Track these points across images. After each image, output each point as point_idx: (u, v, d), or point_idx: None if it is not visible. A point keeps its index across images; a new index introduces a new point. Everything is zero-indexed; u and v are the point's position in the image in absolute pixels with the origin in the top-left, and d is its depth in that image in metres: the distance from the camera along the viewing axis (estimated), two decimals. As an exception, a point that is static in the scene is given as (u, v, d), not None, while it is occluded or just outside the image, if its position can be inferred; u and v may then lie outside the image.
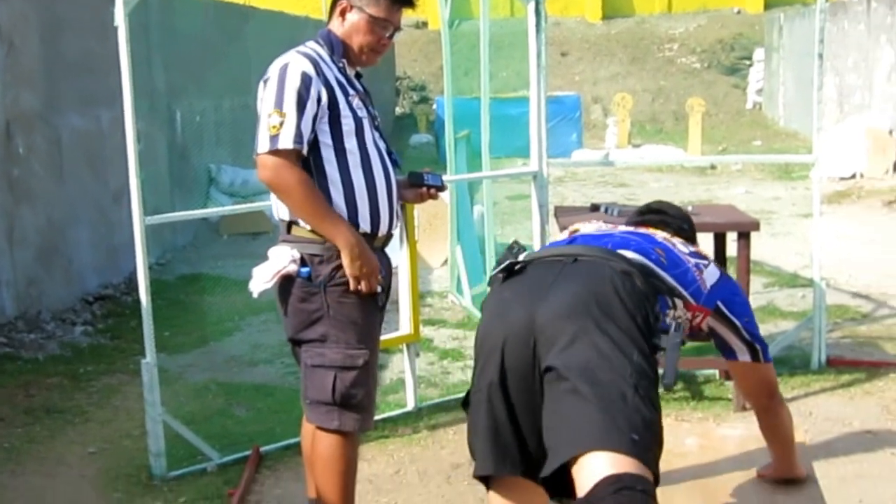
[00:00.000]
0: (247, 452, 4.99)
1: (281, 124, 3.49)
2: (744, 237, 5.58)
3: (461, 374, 6.29)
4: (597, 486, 2.56)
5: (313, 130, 3.56)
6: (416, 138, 20.80)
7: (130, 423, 5.53)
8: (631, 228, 3.40)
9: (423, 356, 6.55)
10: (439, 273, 9.05)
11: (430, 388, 6.00)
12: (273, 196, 3.66)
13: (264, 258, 3.62)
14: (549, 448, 2.75)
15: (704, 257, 3.39)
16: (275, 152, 3.49)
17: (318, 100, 3.55)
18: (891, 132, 14.96)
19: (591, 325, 2.78)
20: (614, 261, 2.97)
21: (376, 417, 5.34)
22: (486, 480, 3.08)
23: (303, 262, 3.58)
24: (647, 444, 2.67)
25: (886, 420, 5.39)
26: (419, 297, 5.53)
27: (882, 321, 7.43)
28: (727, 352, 3.46)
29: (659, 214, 3.65)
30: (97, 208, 8.77)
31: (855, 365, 6.25)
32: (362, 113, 3.70)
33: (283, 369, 6.42)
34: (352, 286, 3.58)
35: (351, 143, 3.63)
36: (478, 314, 7.41)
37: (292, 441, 5.12)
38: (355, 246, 3.56)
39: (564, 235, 3.42)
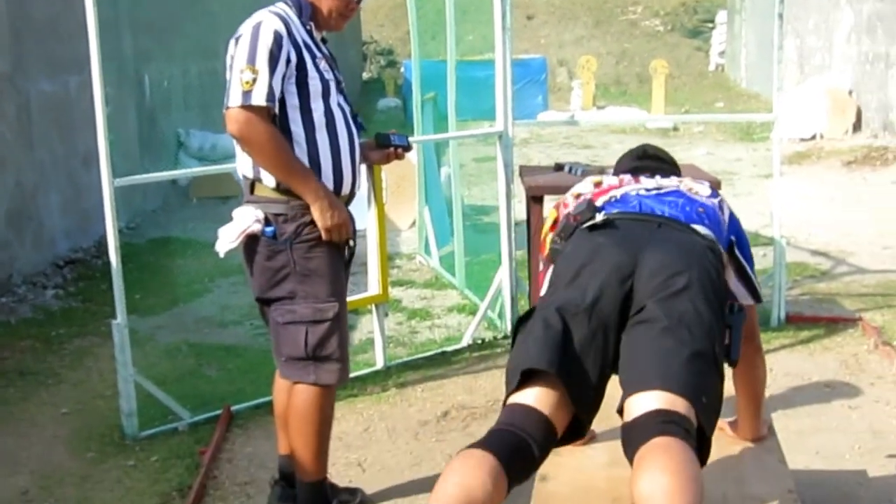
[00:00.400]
0: (217, 412, 5.00)
1: (254, 81, 3.46)
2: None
3: (429, 334, 6.32)
4: (651, 412, 2.59)
5: (281, 90, 3.55)
6: (383, 102, 20.74)
7: (102, 384, 5.53)
8: (665, 188, 3.22)
9: (391, 316, 6.57)
10: (407, 235, 9.06)
11: (399, 348, 6.03)
12: (238, 153, 3.66)
13: (230, 219, 3.61)
14: (632, 373, 2.71)
15: (716, 190, 3.31)
16: (247, 107, 3.47)
17: (288, 60, 3.54)
18: (850, 93, 15.03)
19: (692, 284, 2.79)
20: (695, 233, 2.99)
21: (345, 376, 5.41)
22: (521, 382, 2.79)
23: (267, 222, 3.57)
24: (712, 408, 2.71)
25: (844, 374, 5.45)
26: (387, 258, 5.53)
27: (840, 278, 7.50)
28: (729, 295, 3.27)
29: (657, 161, 3.54)
30: (67, 173, 8.71)
31: (814, 321, 6.31)
32: (329, 76, 3.70)
33: (253, 330, 6.43)
34: (324, 237, 3.59)
35: (317, 105, 3.62)
36: (446, 275, 7.47)
37: (262, 400, 5.13)
38: (325, 198, 3.57)
39: (589, 188, 3.31)
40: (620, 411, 2.71)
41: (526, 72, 17.53)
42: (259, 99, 3.48)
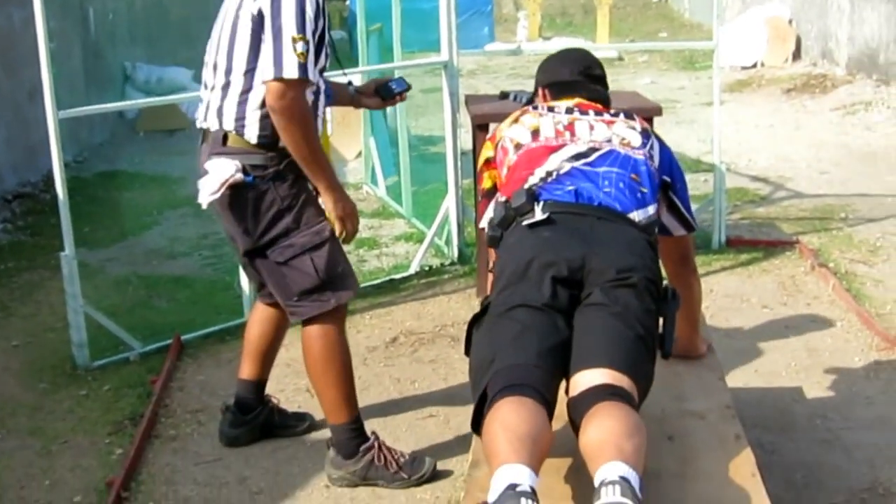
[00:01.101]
0: (168, 341, 4.99)
1: (307, 52, 3.30)
2: (647, 122, 5.61)
3: (377, 262, 6.32)
4: (599, 386, 2.66)
5: None
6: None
7: (53, 317, 5.48)
8: (600, 148, 3.17)
9: (339, 245, 6.55)
10: (354, 165, 9.02)
11: (347, 276, 6.01)
12: (210, 102, 3.53)
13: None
14: (581, 351, 2.77)
15: (647, 133, 3.30)
16: (304, 81, 3.32)
17: (321, 32, 3.42)
18: (790, 22, 15.06)
19: (639, 284, 2.86)
20: (633, 225, 3.03)
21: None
22: (492, 399, 2.71)
23: (244, 172, 3.48)
24: (647, 391, 2.82)
25: (782, 296, 5.53)
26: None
27: (779, 203, 7.57)
28: (662, 230, 3.35)
29: (594, 82, 3.49)
30: (12, 107, 8.56)
31: (753, 244, 6.38)
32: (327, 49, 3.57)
33: (202, 261, 6.40)
34: (337, 228, 3.54)
35: (315, 76, 3.47)
36: (393, 204, 7.45)
37: (212, 329, 5.15)
38: (339, 189, 3.53)
39: (527, 138, 3.25)
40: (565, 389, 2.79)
41: (472, 3, 17.39)
42: (311, 73, 3.34)
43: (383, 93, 4.03)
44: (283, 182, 3.49)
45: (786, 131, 10.56)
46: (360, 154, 8.69)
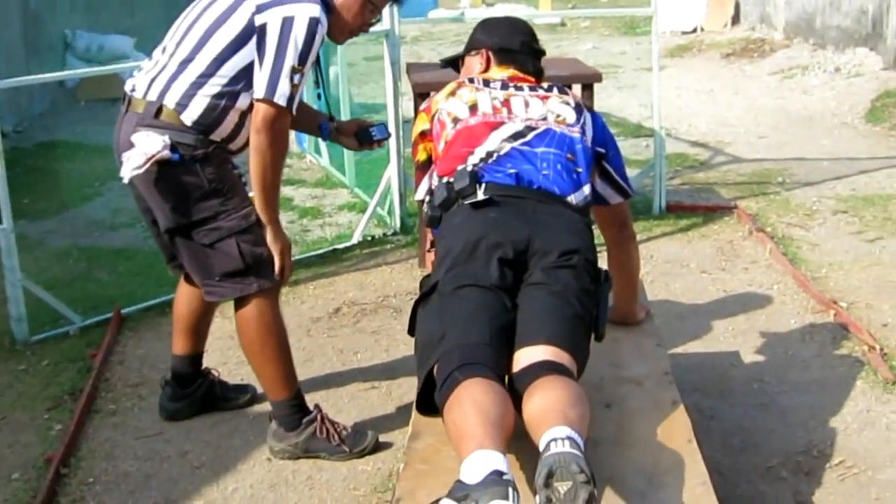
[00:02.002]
0: (108, 314, 4.92)
1: (299, 84, 3.28)
2: (587, 88, 5.62)
3: (320, 231, 6.27)
4: (541, 361, 2.70)
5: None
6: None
7: (-9, 291, 5.38)
8: (537, 126, 3.18)
9: (283, 215, 6.38)
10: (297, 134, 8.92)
11: (290, 246, 5.95)
12: (159, 75, 3.40)
13: (131, 145, 3.42)
14: (523, 328, 2.80)
15: (580, 107, 3.31)
16: (287, 112, 3.29)
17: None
18: (730, -13, 15.12)
19: (578, 266, 2.90)
20: (571, 208, 3.06)
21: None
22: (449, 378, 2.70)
23: (172, 148, 3.39)
24: (582, 366, 2.85)
25: (720, 261, 5.56)
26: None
27: (718, 168, 7.60)
28: (598, 200, 3.38)
29: (537, 57, 3.50)
30: (-51, 77, 8.37)
31: (692, 210, 6.40)
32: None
33: (143, 232, 6.27)
34: (277, 260, 3.48)
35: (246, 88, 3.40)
36: (336, 174, 7.39)
37: (153, 302, 5.07)
38: (279, 224, 3.50)
39: (465, 112, 3.23)
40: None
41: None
42: (294, 105, 3.32)
43: (362, 136, 3.92)
44: (210, 165, 3.41)
45: (725, 96, 10.61)
46: (302, 122, 8.59)
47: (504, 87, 3.31)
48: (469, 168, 3.07)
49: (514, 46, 3.47)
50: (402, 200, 6.12)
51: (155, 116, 3.38)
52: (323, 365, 4.44)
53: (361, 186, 6.94)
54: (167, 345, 4.39)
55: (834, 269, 5.37)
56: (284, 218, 6.33)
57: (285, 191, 6.94)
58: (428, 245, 3.36)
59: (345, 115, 6.98)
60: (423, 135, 3.36)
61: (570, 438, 2.38)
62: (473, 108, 3.23)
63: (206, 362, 4.06)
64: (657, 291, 5.08)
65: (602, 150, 3.31)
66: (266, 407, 3.80)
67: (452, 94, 3.31)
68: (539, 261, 2.89)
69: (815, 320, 4.72)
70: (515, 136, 3.15)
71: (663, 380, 3.19)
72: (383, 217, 6.26)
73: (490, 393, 2.55)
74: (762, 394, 4.06)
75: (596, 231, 3.32)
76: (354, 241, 5.96)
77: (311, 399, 3.73)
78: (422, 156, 3.38)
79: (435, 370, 2.72)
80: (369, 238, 6.02)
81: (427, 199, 3.25)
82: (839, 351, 4.41)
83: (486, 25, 3.60)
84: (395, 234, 6.08)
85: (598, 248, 3.09)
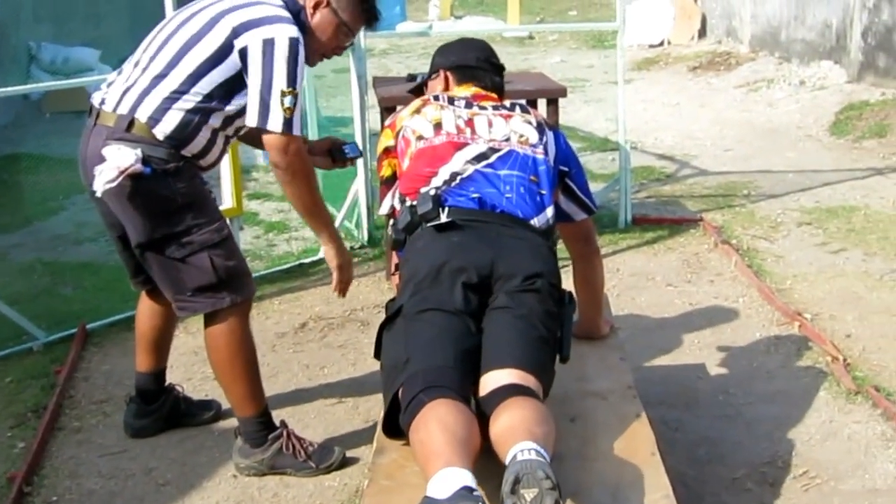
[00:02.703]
0: (73, 330, 4.88)
1: (293, 107, 3.28)
2: (553, 103, 5.65)
3: (286, 246, 6.26)
4: (507, 385, 2.72)
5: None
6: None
7: (-46, 306, 5.34)
8: (499, 148, 3.19)
9: (248, 229, 6.49)
10: (265, 147, 8.89)
11: (256, 261, 5.94)
12: (130, 88, 3.38)
13: (102, 159, 3.39)
14: (490, 352, 2.81)
15: (542, 126, 3.31)
16: (291, 136, 3.29)
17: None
18: (696, 0, 15.20)
19: (542, 290, 2.92)
20: (534, 231, 3.08)
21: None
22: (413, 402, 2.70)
23: (144, 162, 3.36)
24: (547, 389, 2.88)
25: (686, 273, 5.58)
26: (244, 171, 5.42)
27: (684, 180, 7.64)
28: (563, 217, 3.39)
29: (498, 72, 3.53)
30: (-89, 91, 8.30)
31: (658, 222, 6.43)
32: None
33: (108, 247, 6.23)
34: (335, 278, 3.55)
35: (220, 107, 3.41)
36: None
37: (118, 317, 5.04)
38: (339, 240, 3.56)
39: (429, 131, 3.24)
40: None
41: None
42: (297, 129, 3.32)
43: (335, 154, 3.92)
44: (181, 179, 3.39)
45: (691, 109, 10.67)
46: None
47: (468, 105, 3.33)
48: (432, 192, 3.09)
49: (471, 63, 3.51)
50: (369, 214, 6.12)
51: (126, 130, 3.35)
52: (289, 380, 4.43)
53: (329, 200, 6.88)
54: (133, 361, 4.36)
55: (798, 281, 5.41)
56: (250, 233, 6.39)
57: (250, 205, 6.94)
58: (392, 268, 3.37)
59: (313, 129, 6.97)
60: (388, 151, 3.36)
61: (535, 450, 2.41)
62: (438, 127, 3.24)
63: (170, 378, 4.04)
64: (623, 304, 5.10)
65: (565, 169, 3.34)
66: (231, 423, 3.78)
67: (417, 111, 3.32)
68: (503, 285, 2.91)
69: (779, 332, 4.75)
70: (478, 157, 3.17)
71: (627, 394, 3.20)
72: (350, 230, 6.25)
73: (456, 413, 2.56)
74: (727, 405, 4.08)
75: (560, 246, 3.35)
76: (321, 255, 5.93)
77: (277, 415, 3.72)
78: (386, 171, 3.38)
79: (400, 393, 2.72)
80: (336, 252, 5.99)
81: (391, 222, 3.26)
82: (803, 362, 4.44)
83: (442, 49, 3.65)
84: (362, 247, 6.08)
85: (563, 266, 3.10)
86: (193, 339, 4.70)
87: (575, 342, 3.15)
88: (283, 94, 3.25)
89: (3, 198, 7.46)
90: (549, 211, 3.16)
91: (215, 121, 3.39)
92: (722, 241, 5.95)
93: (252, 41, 3.27)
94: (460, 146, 3.19)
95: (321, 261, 5.86)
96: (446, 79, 3.51)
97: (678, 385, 4.26)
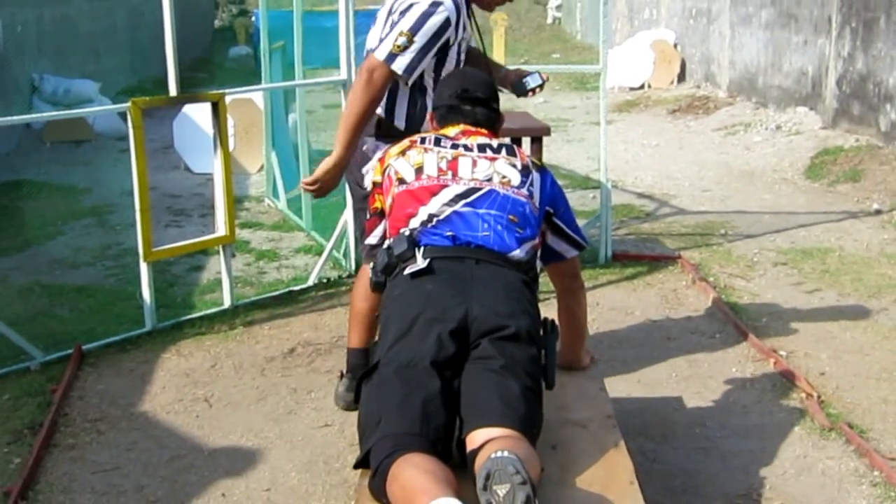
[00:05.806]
0: (69, 351, 4.87)
1: (405, 48, 3.67)
2: (536, 141, 5.69)
3: (276, 274, 6.26)
4: (498, 437, 2.69)
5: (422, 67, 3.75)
6: (234, 50, 20.19)
7: (-48, 325, 5.32)
8: (480, 188, 3.18)
9: (240, 257, 6.49)
10: (256, 178, 8.93)
11: (247, 287, 5.95)
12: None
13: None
14: (475, 409, 2.79)
15: (528, 169, 3.29)
16: (385, 65, 3.68)
17: (444, 44, 3.77)
18: (676, 46, 15.33)
19: (521, 330, 2.91)
20: (511, 265, 3.08)
21: (193, 315, 5.31)
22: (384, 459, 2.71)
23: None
24: (535, 437, 2.85)
25: (665, 309, 5.60)
26: (235, 200, 5.43)
27: (663, 219, 7.68)
28: (554, 256, 3.41)
29: (477, 104, 3.43)
30: (-85, 116, 8.30)
31: (638, 259, 6.46)
32: (462, 56, 3.92)
33: (105, 271, 6.27)
34: (314, 175, 3.81)
35: (430, 83, 3.87)
36: (293, 217, 7.39)
37: (113, 339, 5.04)
38: (343, 161, 3.79)
39: (411, 175, 3.24)
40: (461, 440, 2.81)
41: (372, 22, 17.34)
42: (399, 67, 3.68)
43: (518, 88, 4.22)
44: None
45: (670, 150, 10.73)
46: (262, 168, 8.61)
47: (454, 146, 3.30)
48: (407, 233, 3.11)
49: (447, 101, 3.46)
50: (357, 244, 6.13)
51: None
52: (277, 403, 4.42)
53: (318, 230, 6.94)
54: (127, 381, 4.39)
55: (774, 319, 5.43)
56: (241, 260, 6.39)
57: (242, 234, 6.95)
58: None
59: (303, 161, 6.99)
60: (377, 186, 3.37)
61: (507, 450, 2.44)
62: (419, 172, 3.23)
63: (162, 400, 4.03)
64: (603, 338, 5.11)
65: (551, 210, 3.33)
66: (220, 442, 3.78)
67: (403, 153, 3.32)
68: (479, 327, 2.89)
69: (755, 368, 4.77)
70: (458, 198, 3.16)
71: (606, 423, 3.21)
72: (339, 260, 6.26)
73: (430, 461, 2.59)
74: (704, 438, 4.09)
75: (543, 279, 3.36)
76: (310, 283, 5.95)
77: (265, 437, 3.72)
78: (377, 204, 3.38)
79: (371, 453, 2.72)
80: (325, 280, 6.01)
81: (371, 265, 3.26)
82: (778, 398, 4.45)
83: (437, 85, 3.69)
84: (350, 276, 6.08)
85: (545, 299, 3.11)
86: (185, 361, 4.70)
87: (556, 372, 3.16)
88: (400, 34, 3.68)
89: (3, 223, 7.45)
90: (528, 246, 3.15)
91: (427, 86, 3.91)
92: (699, 278, 5.97)
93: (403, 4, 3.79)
94: (438, 190, 3.18)
95: (310, 288, 5.88)
96: (432, 120, 3.52)
97: (655, 417, 4.27)
